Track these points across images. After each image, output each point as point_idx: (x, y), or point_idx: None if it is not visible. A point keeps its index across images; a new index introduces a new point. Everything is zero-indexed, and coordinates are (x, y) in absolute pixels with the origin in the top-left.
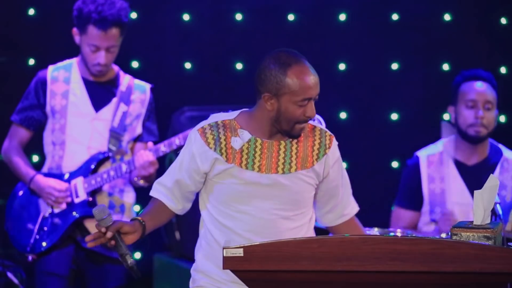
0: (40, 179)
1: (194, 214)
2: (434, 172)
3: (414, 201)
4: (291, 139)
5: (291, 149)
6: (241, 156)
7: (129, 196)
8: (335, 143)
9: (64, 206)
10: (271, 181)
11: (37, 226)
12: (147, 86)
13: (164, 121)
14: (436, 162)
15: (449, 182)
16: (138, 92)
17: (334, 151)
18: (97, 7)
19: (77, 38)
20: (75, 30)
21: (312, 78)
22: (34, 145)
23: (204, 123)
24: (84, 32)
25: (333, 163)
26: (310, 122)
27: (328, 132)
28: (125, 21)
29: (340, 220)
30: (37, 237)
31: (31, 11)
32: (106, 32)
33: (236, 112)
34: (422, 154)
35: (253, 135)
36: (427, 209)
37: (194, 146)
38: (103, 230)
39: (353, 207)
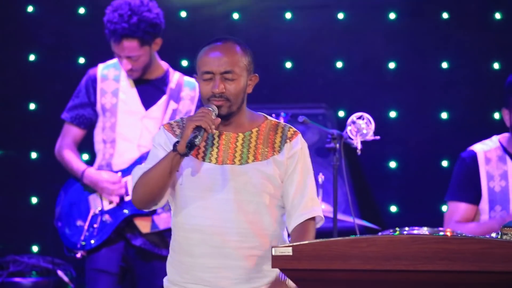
0: (92, 172)
1: None
2: (493, 170)
3: (470, 194)
4: (250, 132)
5: (250, 141)
6: (198, 148)
7: None
8: (299, 138)
9: (117, 199)
10: (228, 172)
11: (87, 223)
12: (196, 83)
13: None
14: (494, 159)
15: (510, 180)
16: (188, 89)
17: (295, 143)
18: (113, 18)
19: None
20: None
21: (214, 52)
22: (84, 144)
23: (170, 121)
24: (108, 39)
25: (292, 155)
26: (274, 119)
27: (293, 128)
28: (139, 35)
29: (296, 221)
30: (87, 234)
31: (82, 10)
32: (118, 44)
33: None
34: (478, 149)
35: None
36: (486, 207)
37: (161, 138)
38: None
39: (309, 211)
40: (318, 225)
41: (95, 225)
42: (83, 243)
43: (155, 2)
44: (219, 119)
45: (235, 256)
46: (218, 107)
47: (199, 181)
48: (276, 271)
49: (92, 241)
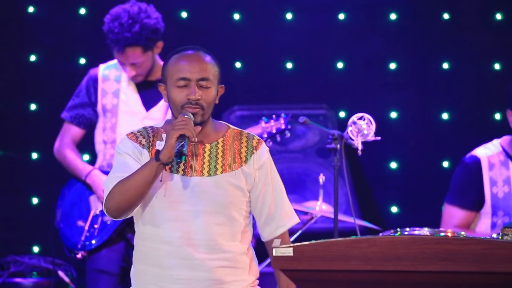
0: (97, 175)
1: None
2: (496, 176)
3: (471, 201)
4: (217, 143)
5: (217, 151)
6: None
7: None
8: (264, 147)
9: None
10: (197, 184)
11: (87, 224)
12: None
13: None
14: (497, 164)
15: None
16: None
17: (261, 153)
18: (114, 28)
19: None
20: None
21: (189, 59)
22: (85, 144)
23: (133, 130)
24: (110, 48)
25: (260, 166)
26: (235, 127)
27: (257, 137)
28: (142, 43)
29: (275, 233)
30: (88, 234)
31: (83, 11)
32: (122, 53)
33: (163, 122)
34: (482, 154)
35: None
36: (488, 211)
37: (128, 147)
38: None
39: (289, 220)
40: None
41: (96, 226)
42: (85, 243)
43: (152, 5)
44: (199, 127)
45: (204, 268)
46: (193, 114)
47: (168, 192)
48: (247, 280)
49: (93, 241)
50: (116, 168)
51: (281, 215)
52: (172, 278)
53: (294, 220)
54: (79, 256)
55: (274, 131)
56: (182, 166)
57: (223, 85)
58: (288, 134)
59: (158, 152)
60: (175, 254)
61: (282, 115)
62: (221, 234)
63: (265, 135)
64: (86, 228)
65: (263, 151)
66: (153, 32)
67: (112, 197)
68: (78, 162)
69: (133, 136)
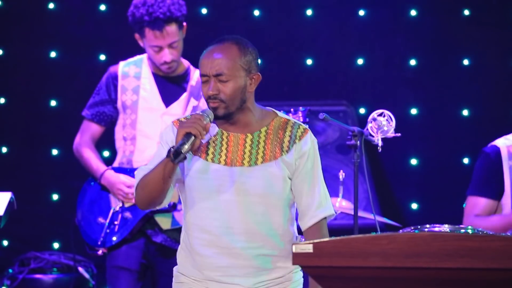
0: (111, 175)
1: None
2: None
3: (492, 189)
4: (259, 132)
5: (259, 141)
6: (207, 149)
7: None
8: (308, 137)
9: (134, 201)
10: (237, 174)
11: (107, 220)
12: None
13: None
14: None
15: None
16: None
17: (305, 142)
18: (148, 9)
19: (140, 43)
20: (136, 35)
21: (210, 55)
22: (105, 141)
23: (181, 117)
24: (143, 35)
25: (302, 155)
26: (284, 115)
27: (303, 126)
28: (178, 15)
29: (310, 221)
30: (108, 231)
31: (103, 7)
32: (162, 31)
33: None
34: (501, 144)
35: (220, 128)
36: (508, 201)
37: (169, 136)
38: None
39: (323, 210)
40: (330, 219)
41: (116, 222)
42: (105, 240)
43: None
44: (209, 124)
45: (243, 256)
46: (214, 108)
47: (207, 182)
48: (289, 267)
49: (114, 238)
50: (152, 159)
51: (316, 205)
52: (212, 265)
53: (328, 211)
54: (99, 252)
55: None
56: (223, 156)
57: (258, 73)
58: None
59: (171, 148)
60: (214, 243)
61: (300, 108)
62: (261, 223)
63: None
64: (106, 224)
65: (307, 141)
66: (181, 6)
67: (137, 191)
68: (93, 162)
69: (179, 122)
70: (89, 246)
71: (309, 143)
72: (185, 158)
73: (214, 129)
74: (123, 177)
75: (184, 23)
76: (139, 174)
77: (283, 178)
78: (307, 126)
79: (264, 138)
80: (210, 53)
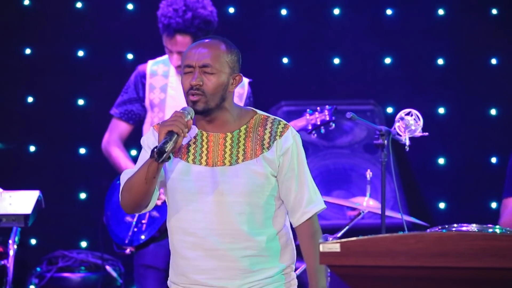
0: None
1: None
2: None
3: None
4: (239, 131)
5: (239, 140)
6: (187, 151)
7: None
8: (289, 133)
9: (162, 198)
10: (218, 174)
11: (135, 219)
12: (245, 80)
13: None
14: None
15: None
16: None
17: (285, 139)
18: (167, 13)
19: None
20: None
21: (197, 47)
22: (133, 139)
23: (160, 121)
24: (161, 33)
25: (285, 152)
26: (264, 113)
27: (284, 122)
28: (192, 31)
29: (303, 218)
30: (135, 230)
31: (130, 6)
32: (171, 39)
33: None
34: None
35: (199, 129)
36: None
37: (150, 140)
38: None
39: (314, 205)
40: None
41: (143, 221)
42: (133, 238)
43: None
44: (191, 121)
45: (229, 258)
46: (194, 102)
47: (189, 184)
48: (277, 267)
49: (142, 237)
50: (137, 163)
51: (306, 201)
52: (198, 268)
53: (319, 206)
54: (127, 251)
55: (318, 123)
56: (204, 157)
57: (240, 74)
58: (332, 126)
59: (154, 149)
60: (199, 245)
61: (327, 107)
62: (245, 223)
63: (310, 127)
64: (134, 223)
65: (288, 136)
66: (205, 23)
67: (122, 194)
68: (122, 160)
69: (158, 127)
70: (117, 245)
71: (291, 139)
72: (169, 157)
73: (193, 130)
74: None
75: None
76: (123, 178)
77: (265, 175)
78: (287, 122)
79: (244, 136)
80: (197, 46)
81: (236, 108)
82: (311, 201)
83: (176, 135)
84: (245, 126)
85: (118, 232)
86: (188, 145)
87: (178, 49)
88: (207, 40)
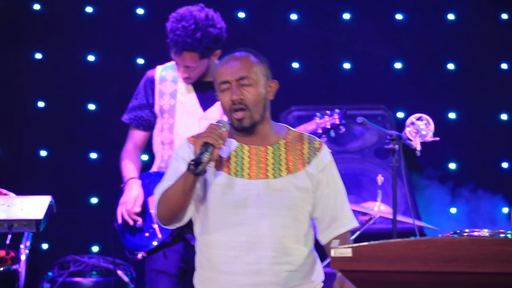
0: (130, 184)
1: None
2: None
3: None
4: (278, 145)
5: (280, 153)
6: (229, 164)
7: None
8: (326, 149)
9: (130, 221)
10: (262, 186)
11: (146, 225)
12: None
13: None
14: None
15: None
16: None
17: (324, 155)
18: (176, 29)
19: None
20: None
21: (228, 63)
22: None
23: (195, 134)
24: (168, 46)
25: (323, 167)
26: (297, 130)
27: (318, 139)
28: (200, 51)
29: (334, 233)
30: (147, 235)
31: (140, 11)
32: (179, 55)
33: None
34: None
35: (239, 142)
36: None
37: (185, 152)
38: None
39: (349, 222)
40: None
41: (155, 226)
42: (145, 244)
43: (219, 14)
44: (226, 132)
45: (269, 273)
46: (240, 120)
47: (233, 197)
48: (311, 284)
49: (154, 243)
50: (167, 175)
51: (342, 217)
52: (237, 283)
53: (354, 223)
54: (139, 256)
55: (328, 126)
56: (246, 170)
57: (275, 81)
58: (342, 129)
59: (191, 162)
60: (241, 259)
61: (336, 110)
62: (287, 237)
63: (320, 131)
64: (145, 229)
65: (326, 152)
66: (214, 41)
67: (159, 207)
68: (124, 169)
69: (194, 139)
70: (128, 250)
71: (328, 155)
72: (205, 170)
73: (233, 143)
74: (133, 193)
75: (218, 51)
76: (158, 191)
77: (307, 189)
78: (322, 140)
79: (285, 150)
80: (228, 61)
81: (271, 122)
82: (346, 217)
83: (212, 146)
84: (284, 141)
85: (130, 237)
86: (229, 158)
87: (184, 64)
88: (236, 54)
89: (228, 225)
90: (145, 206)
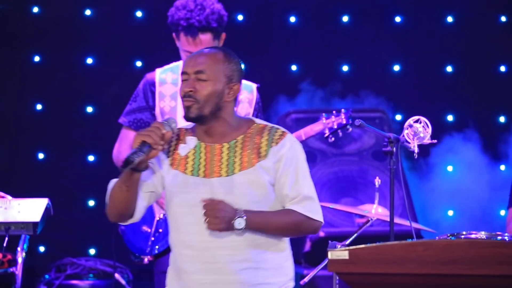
0: None
1: None
2: None
3: None
4: (235, 141)
5: (235, 150)
6: (186, 163)
7: None
8: (287, 139)
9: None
10: (216, 185)
11: (153, 229)
12: (253, 86)
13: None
14: None
15: None
16: (246, 92)
17: (281, 146)
18: (185, 14)
19: (176, 43)
20: (174, 35)
21: (194, 55)
22: None
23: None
24: (178, 38)
25: (278, 159)
26: (263, 122)
27: (282, 129)
28: (215, 26)
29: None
30: (153, 239)
31: (139, 14)
32: (195, 39)
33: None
34: None
35: (199, 141)
36: None
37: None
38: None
39: (312, 213)
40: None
41: (160, 230)
42: (151, 248)
43: None
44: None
45: (227, 271)
46: (187, 107)
47: (188, 196)
48: (277, 283)
49: (157, 246)
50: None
51: (294, 202)
52: (197, 283)
53: (315, 215)
54: (145, 261)
55: (335, 126)
56: (202, 168)
57: (239, 84)
58: (350, 129)
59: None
60: (198, 258)
61: (342, 110)
62: (243, 235)
63: (327, 131)
64: (152, 233)
65: (284, 143)
66: (221, 17)
67: (107, 202)
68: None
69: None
70: (134, 255)
71: (287, 145)
72: (146, 166)
73: (193, 141)
74: None
75: (223, 34)
76: (109, 186)
77: (262, 185)
78: (286, 130)
79: (241, 146)
80: (195, 55)
81: (236, 118)
82: (301, 205)
83: (149, 147)
84: (242, 136)
85: (135, 241)
86: (187, 156)
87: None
88: (205, 50)
89: (184, 225)
90: (151, 210)
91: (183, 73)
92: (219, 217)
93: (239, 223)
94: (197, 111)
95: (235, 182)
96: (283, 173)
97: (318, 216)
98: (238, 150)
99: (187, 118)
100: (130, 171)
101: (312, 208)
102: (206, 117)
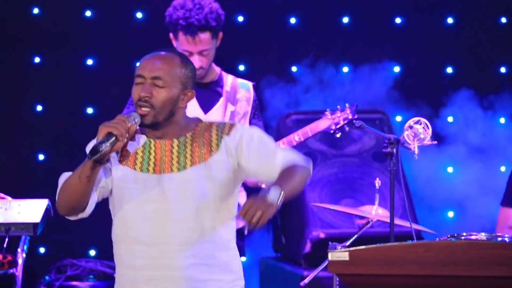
0: None
1: (297, 217)
2: None
3: None
4: (185, 137)
5: (185, 145)
6: (135, 159)
7: (241, 195)
8: (237, 128)
9: None
10: (166, 180)
11: None
12: (250, 84)
13: (270, 124)
14: None
15: None
16: (243, 90)
17: (234, 132)
18: (184, 13)
19: (173, 43)
20: (171, 35)
21: (151, 58)
22: None
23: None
24: (177, 38)
25: (237, 142)
26: (209, 120)
27: (229, 123)
28: (214, 24)
29: (276, 172)
30: None
31: (139, 15)
32: (194, 38)
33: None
34: None
35: (148, 138)
36: None
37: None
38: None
39: (291, 161)
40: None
41: None
42: None
43: None
44: (135, 126)
45: (174, 267)
46: (143, 115)
47: (136, 192)
48: (224, 279)
49: None
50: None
51: (277, 162)
52: (144, 278)
53: (300, 162)
54: None
55: (341, 122)
56: (152, 165)
57: (193, 90)
58: (357, 124)
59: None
60: (146, 253)
61: (347, 105)
62: (192, 229)
63: (333, 127)
64: None
65: (236, 130)
66: (219, 16)
67: (58, 195)
68: None
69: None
70: None
71: (240, 130)
72: (107, 160)
73: (142, 139)
74: None
75: (220, 33)
76: (61, 179)
77: (215, 179)
78: (234, 122)
79: (191, 142)
80: (151, 58)
81: (185, 118)
82: (285, 159)
83: (115, 138)
84: (191, 133)
85: None
86: (136, 153)
87: (200, 48)
88: (162, 53)
89: (133, 220)
90: None
91: (138, 75)
92: (262, 213)
93: (275, 193)
94: (152, 118)
95: (186, 178)
96: (251, 150)
97: (307, 162)
98: (188, 146)
99: (141, 124)
100: (93, 163)
101: (299, 157)
102: (160, 124)
